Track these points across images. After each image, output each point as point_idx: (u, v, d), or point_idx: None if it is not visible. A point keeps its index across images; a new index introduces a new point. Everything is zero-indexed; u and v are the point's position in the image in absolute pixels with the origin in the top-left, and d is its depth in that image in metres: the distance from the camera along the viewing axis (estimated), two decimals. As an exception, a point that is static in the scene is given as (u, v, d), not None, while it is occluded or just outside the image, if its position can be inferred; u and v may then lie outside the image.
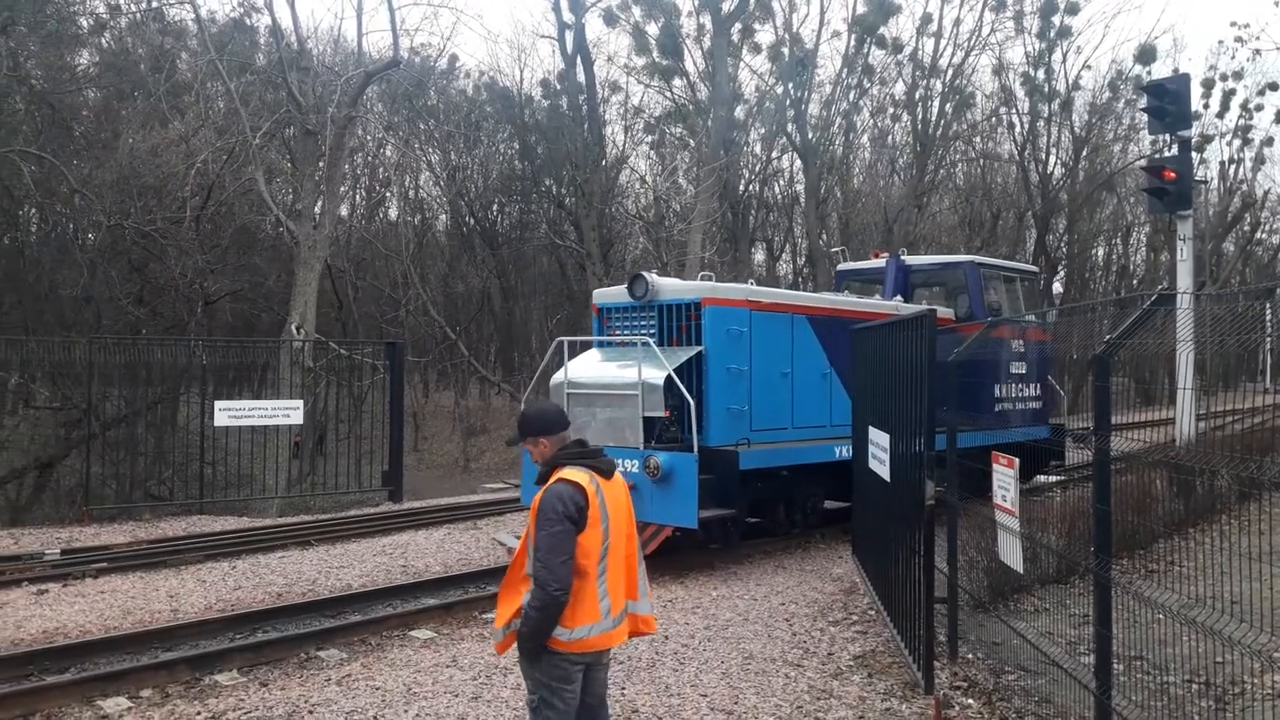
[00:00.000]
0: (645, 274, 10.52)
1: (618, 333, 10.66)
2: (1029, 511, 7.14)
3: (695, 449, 9.39)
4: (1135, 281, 41.26)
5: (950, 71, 29.18)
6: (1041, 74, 32.20)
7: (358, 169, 28.57)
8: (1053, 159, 34.92)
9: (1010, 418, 13.27)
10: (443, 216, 30.68)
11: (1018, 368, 13.58)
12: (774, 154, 30.05)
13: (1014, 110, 33.61)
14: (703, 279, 10.67)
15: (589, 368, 10.52)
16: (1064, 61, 32.69)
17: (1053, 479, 13.62)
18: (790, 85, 26.91)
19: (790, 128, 27.71)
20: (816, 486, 11.36)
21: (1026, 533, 6.37)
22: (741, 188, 29.43)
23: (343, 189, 25.28)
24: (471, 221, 28.93)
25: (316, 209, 17.58)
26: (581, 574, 4.02)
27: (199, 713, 6.11)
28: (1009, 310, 13.65)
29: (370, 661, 7.23)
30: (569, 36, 25.65)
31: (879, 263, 14.18)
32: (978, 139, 33.54)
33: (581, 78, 25.49)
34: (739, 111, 27.61)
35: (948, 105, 29.27)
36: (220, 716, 6.03)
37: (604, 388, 10.08)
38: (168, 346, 17.34)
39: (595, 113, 26.08)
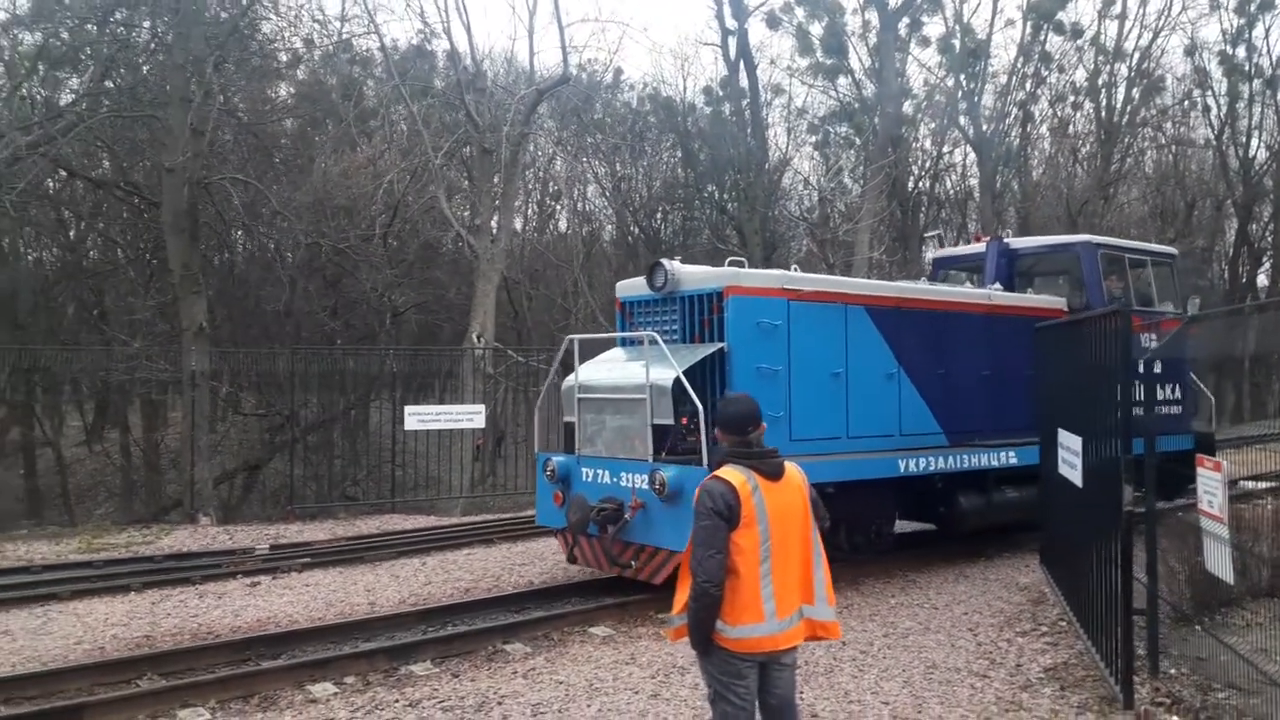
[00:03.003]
0: (664, 261, 9.24)
1: (639, 329, 9.46)
2: (1239, 519, 6.66)
3: (705, 462, 7.84)
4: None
5: (1137, 55, 27.52)
6: (1241, 51, 30.05)
7: (530, 184, 29.56)
8: (1255, 142, 32.39)
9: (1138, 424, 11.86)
10: (609, 226, 31.33)
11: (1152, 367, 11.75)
12: (945, 148, 29.16)
13: (1209, 92, 31.41)
14: (730, 264, 9.17)
15: (602, 369, 9.41)
16: (1266, 36, 30.22)
17: (1262, 485, 12.31)
18: (962, 77, 26.02)
19: (962, 120, 26.80)
20: (884, 506, 9.95)
21: (1236, 541, 5.95)
22: (911, 185, 28.66)
23: (517, 203, 26.23)
24: (636, 230, 29.40)
25: (493, 224, 18.32)
26: (738, 572, 4.09)
27: (397, 700, 6.49)
28: (1135, 300, 11.87)
29: (553, 656, 7.48)
30: (732, 43, 25.69)
31: (979, 247, 12.75)
32: (1168, 124, 31.42)
33: (744, 82, 25.47)
34: (907, 107, 26.93)
35: (1134, 90, 27.60)
36: (416, 704, 6.38)
37: (613, 391, 8.96)
38: (360, 356, 18.48)
39: (758, 116, 26.00)
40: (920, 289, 10.77)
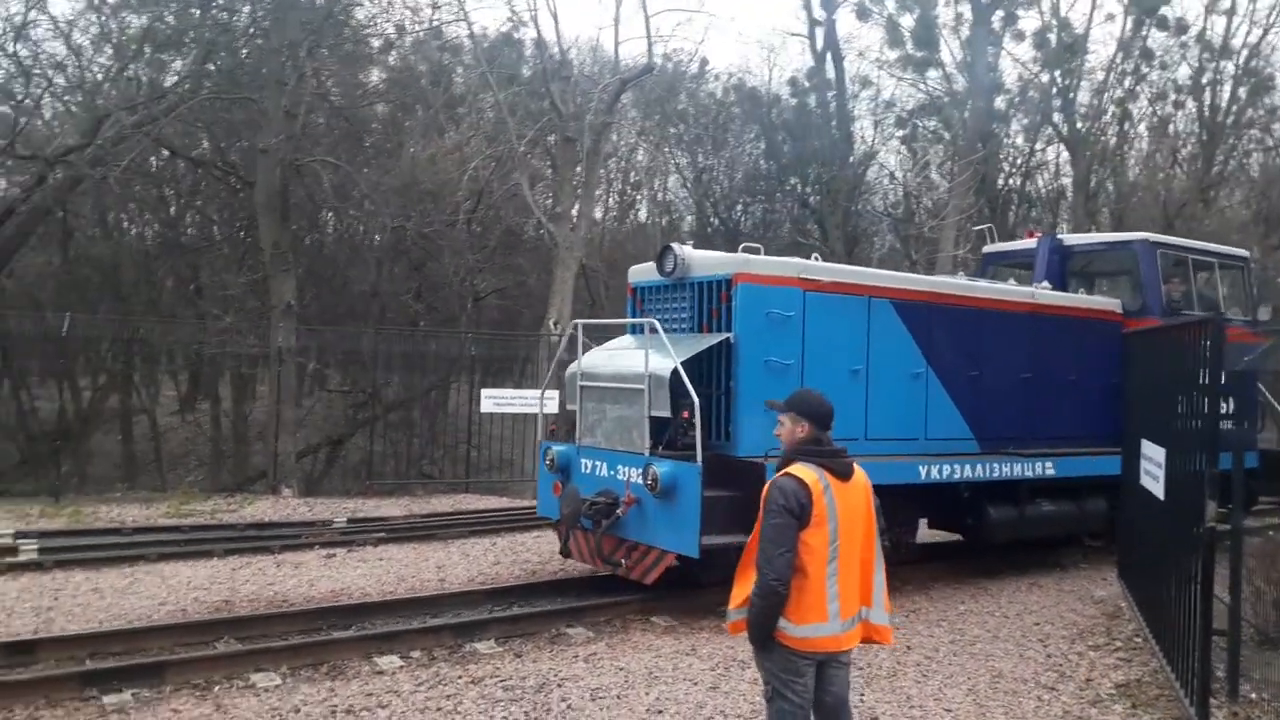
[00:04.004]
0: (674, 246, 8.82)
1: (650, 315, 8.89)
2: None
3: (699, 458, 7.65)
4: None
5: (1245, 52, 26.27)
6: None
7: (611, 173, 29.66)
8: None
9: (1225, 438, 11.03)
10: (689, 217, 31.25)
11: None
12: (1038, 145, 28.32)
13: (1323, 92, 29.78)
14: (743, 250, 8.64)
15: (605, 356, 9.10)
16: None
17: None
18: (1057, 73, 25.24)
19: (1057, 117, 26.00)
20: (905, 514, 9.36)
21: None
22: (1001, 182, 27.95)
23: (598, 192, 26.37)
24: (716, 222, 29.27)
25: (574, 212, 18.46)
26: (805, 571, 4.06)
27: (460, 676, 6.62)
28: (1198, 304, 11.15)
29: (614, 642, 7.55)
30: (819, 34, 25.40)
31: (1030, 243, 12.14)
32: (1277, 126, 29.96)
33: (831, 74, 25.17)
34: (999, 102, 26.22)
35: (1241, 89, 26.36)
36: (479, 682, 6.51)
37: (613, 380, 8.60)
38: (441, 339, 18.82)
39: (844, 109, 25.66)
40: (955, 283, 10.24)
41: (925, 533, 10.54)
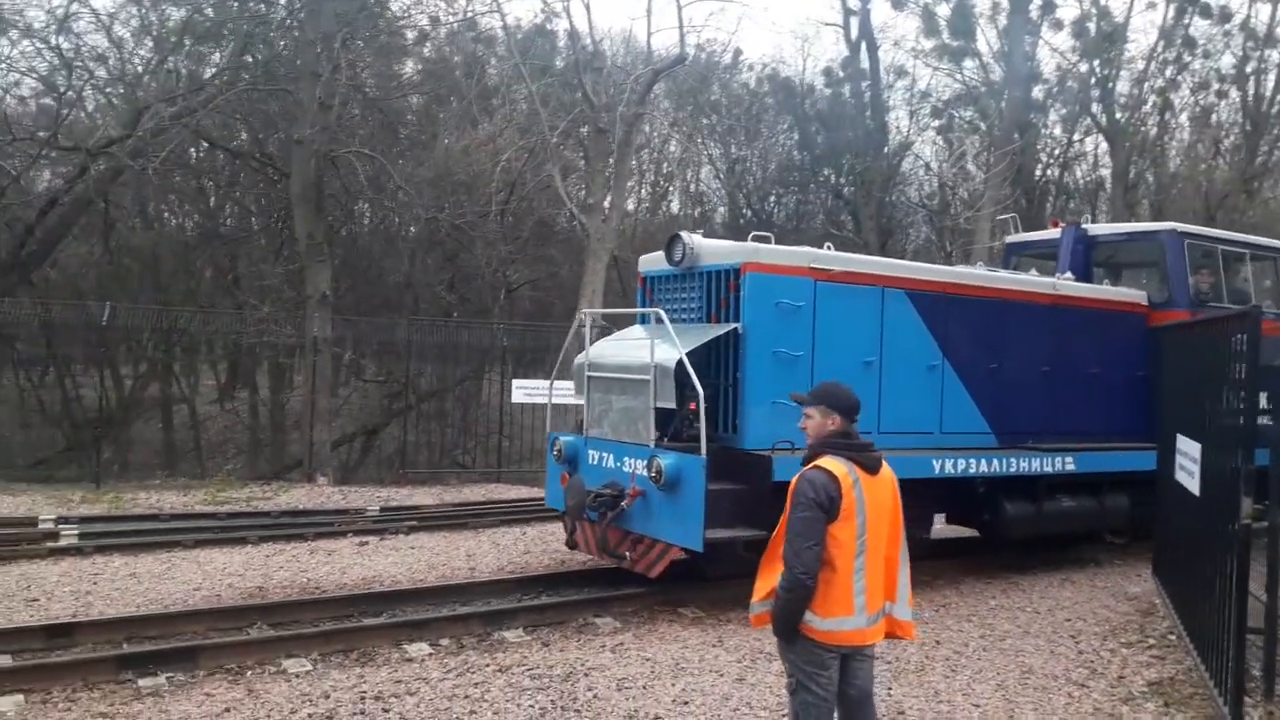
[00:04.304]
0: (683, 234, 8.68)
1: (659, 306, 8.82)
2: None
3: (704, 450, 7.51)
4: None
5: (1292, 39, 25.68)
6: None
7: (644, 165, 29.62)
8: None
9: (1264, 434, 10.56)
10: (721, 209, 31.15)
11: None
12: (1076, 136, 27.88)
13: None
14: (753, 239, 8.48)
15: (612, 347, 9.03)
16: None
17: None
18: (1096, 62, 24.81)
19: (1095, 108, 25.58)
20: (918, 508, 8.61)
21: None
22: (1038, 173, 27.57)
23: (630, 184, 26.34)
24: (749, 213, 29.14)
25: (606, 203, 18.48)
26: (833, 565, 4.05)
27: (488, 664, 6.68)
28: (1228, 297, 10.75)
29: (642, 633, 7.57)
30: (854, 23, 25.17)
31: (1054, 233, 11.81)
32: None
33: (865, 64, 24.94)
34: (1036, 92, 25.85)
35: (1287, 78, 25.78)
36: (506, 670, 6.56)
37: (620, 370, 8.45)
38: (474, 329, 18.95)
39: (879, 99, 25.42)
40: (972, 274, 10.00)
41: (947, 528, 10.45)
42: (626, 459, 8.24)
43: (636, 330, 9.32)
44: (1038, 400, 9.89)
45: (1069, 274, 10.86)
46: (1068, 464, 9.63)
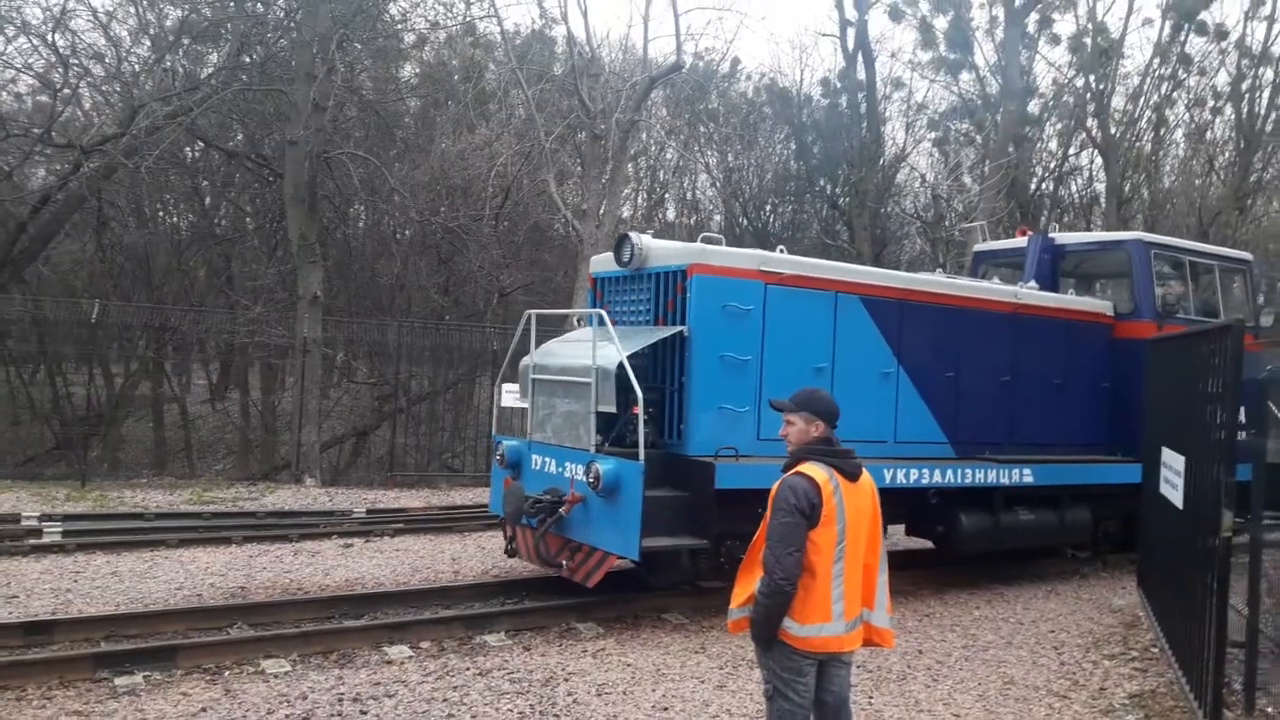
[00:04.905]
0: (632, 234, 8.46)
1: (609, 307, 8.64)
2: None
3: (642, 455, 7.32)
4: None
5: (1286, 58, 25.79)
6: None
7: (641, 172, 29.65)
8: None
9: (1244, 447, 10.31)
10: (716, 217, 31.18)
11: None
12: (1071, 150, 27.98)
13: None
14: (703, 240, 8.25)
15: (557, 348, 8.84)
16: None
17: None
18: (1091, 77, 24.91)
19: (1090, 123, 25.68)
20: None
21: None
22: (1033, 186, 27.65)
23: (626, 191, 26.35)
24: (745, 222, 29.18)
25: (600, 209, 18.48)
26: (813, 571, 4.06)
27: (468, 668, 6.65)
28: (1195, 309, 10.75)
29: (624, 639, 7.55)
30: (851, 34, 25.23)
31: (1021, 241, 11.63)
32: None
33: (862, 75, 24.99)
34: (1032, 106, 25.94)
35: None
36: (486, 674, 6.54)
37: (562, 373, 8.25)
38: (466, 332, 18.92)
39: (875, 110, 25.47)
40: (930, 280, 9.82)
41: (904, 540, 10.43)
42: (568, 464, 8.02)
43: (584, 332, 9.00)
44: (996, 410, 9.74)
45: (1034, 283, 10.71)
46: (1025, 476, 9.44)
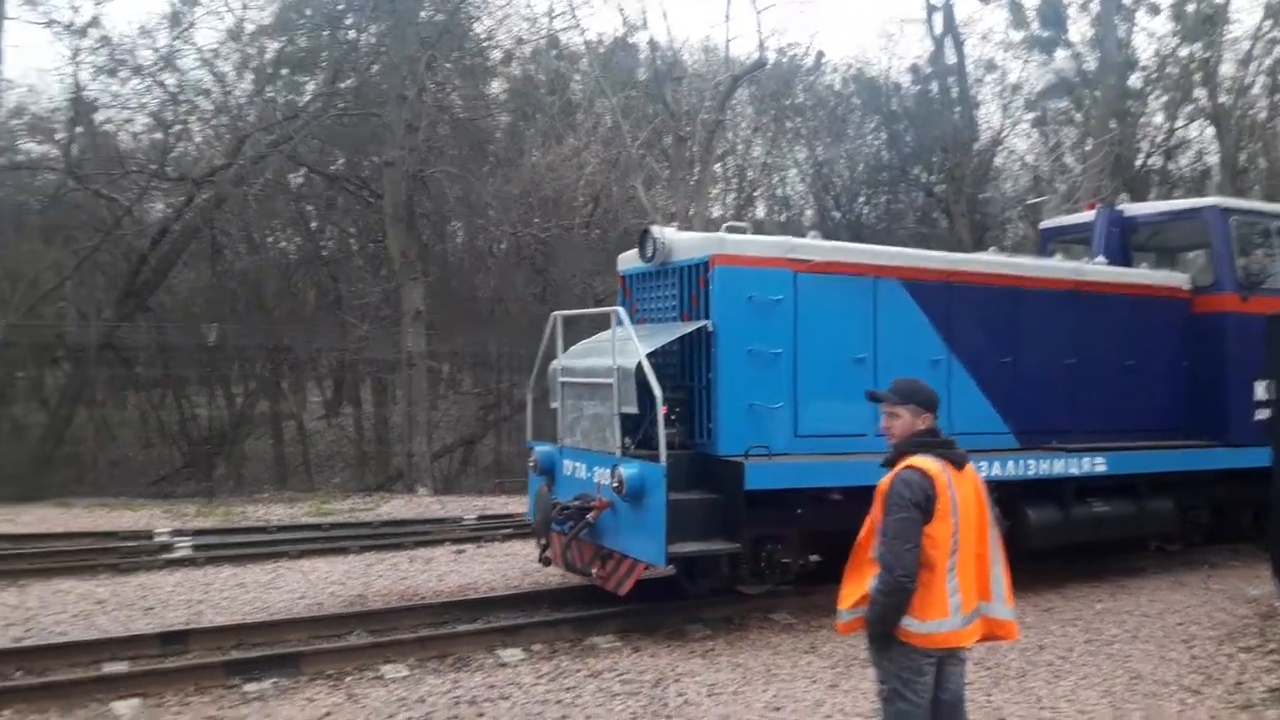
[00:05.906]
0: (654, 229, 8.15)
1: (637, 306, 8.41)
2: None
3: (663, 457, 7.00)
4: None
5: None
6: None
7: (729, 171, 29.54)
8: None
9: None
10: (808, 212, 30.83)
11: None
12: (1179, 123, 26.74)
13: None
14: (726, 229, 7.94)
15: (584, 350, 8.49)
16: None
17: None
18: (1197, 45, 23.78)
19: (1198, 93, 24.51)
20: None
21: None
22: (1139, 162, 26.53)
23: (715, 190, 26.30)
24: (837, 215, 28.77)
25: (689, 211, 18.49)
26: (930, 566, 3.96)
27: (579, 670, 6.73)
28: None
29: (732, 639, 7.53)
30: (937, 19, 24.70)
31: (1089, 215, 10.95)
32: None
33: (952, 59, 24.43)
34: (1134, 79, 24.88)
35: None
36: (598, 675, 6.61)
37: (587, 375, 7.96)
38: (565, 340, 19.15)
39: (966, 94, 24.86)
40: (980, 260, 9.27)
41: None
42: (596, 469, 7.78)
43: (608, 332, 8.58)
44: (1062, 396, 9.17)
45: (1102, 258, 10.11)
46: (1097, 465, 8.88)
